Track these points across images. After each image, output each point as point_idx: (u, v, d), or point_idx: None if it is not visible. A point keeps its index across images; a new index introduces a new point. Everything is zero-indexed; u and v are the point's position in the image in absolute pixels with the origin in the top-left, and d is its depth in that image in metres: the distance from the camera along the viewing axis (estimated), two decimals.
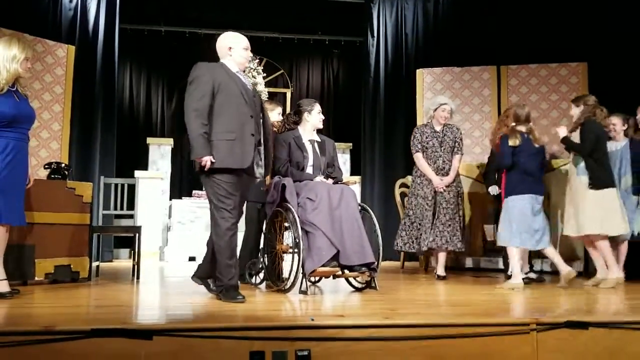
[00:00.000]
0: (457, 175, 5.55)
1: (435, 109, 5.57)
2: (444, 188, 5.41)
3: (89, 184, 5.01)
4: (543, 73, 7.16)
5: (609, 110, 5.53)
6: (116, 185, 5.94)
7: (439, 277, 5.30)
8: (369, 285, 4.18)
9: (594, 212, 4.57)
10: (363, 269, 4.01)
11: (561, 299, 3.90)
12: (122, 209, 5.93)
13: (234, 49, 3.78)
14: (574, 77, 7.04)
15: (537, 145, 4.73)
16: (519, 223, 4.52)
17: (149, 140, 9.21)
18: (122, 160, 8.65)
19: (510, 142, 4.65)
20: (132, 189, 6.00)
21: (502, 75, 7.26)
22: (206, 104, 3.54)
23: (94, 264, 5.27)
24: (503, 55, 7.65)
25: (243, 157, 3.56)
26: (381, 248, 4.21)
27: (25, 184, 3.75)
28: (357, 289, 4.22)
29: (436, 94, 7.36)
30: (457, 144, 5.54)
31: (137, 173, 8.31)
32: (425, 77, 7.53)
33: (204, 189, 3.72)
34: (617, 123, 5.14)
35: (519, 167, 4.62)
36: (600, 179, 4.62)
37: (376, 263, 4.09)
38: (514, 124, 4.81)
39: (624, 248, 4.87)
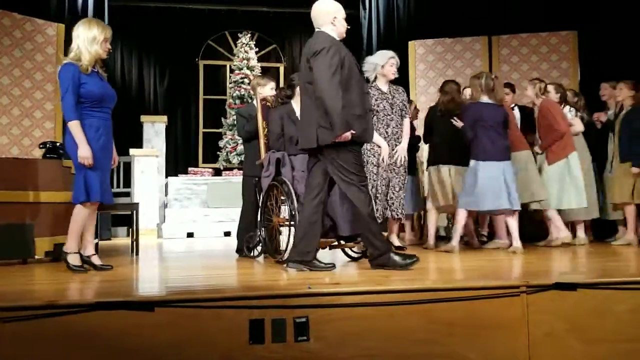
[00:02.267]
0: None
1: (384, 65, 4.89)
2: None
3: None
4: (534, 42, 7.18)
5: (599, 80, 5.62)
6: None
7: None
8: (364, 254, 4.26)
9: None
10: (358, 238, 4.08)
11: (551, 262, 4.00)
12: (118, 186, 5.98)
13: (337, 18, 3.59)
14: (564, 46, 7.07)
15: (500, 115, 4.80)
16: (480, 187, 4.64)
17: (143, 118, 9.21)
18: (117, 139, 8.55)
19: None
20: (127, 167, 6.04)
21: (493, 45, 7.28)
22: (338, 78, 3.37)
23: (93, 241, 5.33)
24: (494, 25, 7.67)
25: (369, 132, 3.58)
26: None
27: (111, 164, 3.87)
28: (353, 259, 4.30)
29: (428, 66, 7.39)
30: (405, 106, 5.04)
31: (132, 151, 8.33)
32: (417, 49, 7.53)
33: (327, 165, 3.48)
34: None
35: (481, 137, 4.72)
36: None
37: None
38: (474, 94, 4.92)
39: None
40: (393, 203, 4.97)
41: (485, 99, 4.80)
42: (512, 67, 7.12)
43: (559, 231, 5.08)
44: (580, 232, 5.39)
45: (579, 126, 5.35)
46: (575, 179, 5.09)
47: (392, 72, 4.93)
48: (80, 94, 3.58)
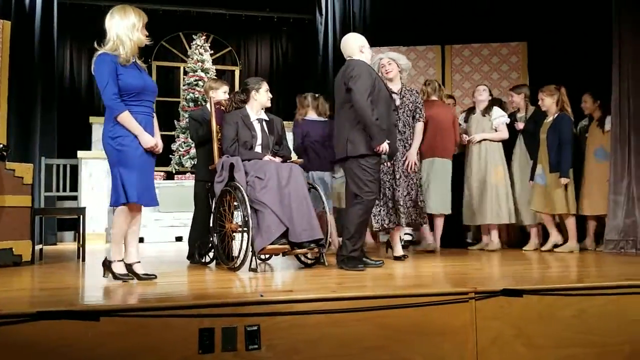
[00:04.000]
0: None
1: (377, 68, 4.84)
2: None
3: (29, 165, 4.87)
4: (485, 52, 7.37)
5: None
6: (58, 166, 5.79)
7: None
8: (318, 261, 4.26)
9: None
10: (312, 245, 4.08)
11: (499, 269, 4.10)
12: (64, 190, 5.79)
13: (365, 47, 4.27)
14: (514, 57, 7.28)
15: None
16: None
17: (92, 119, 8.95)
18: (64, 140, 8.40)
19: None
20: (74, 169, 5.86)
21: (446, 55, 7.43)
22: (371, 98, 4.03)
23: (37, 247, 5.15)
24: (447, 35, 7.81)
25: (392, 145, 4.15)
26: (330, 225, 4.29)
27: (154, 161, 3.58)
28: (307, 265, 4.30)
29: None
30: (417, 108, 4.92)
31: (80, 153, 8.09)
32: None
33: (346, 172, 4.22)
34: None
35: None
36: None
37: (324, 239, 4.17)
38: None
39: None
40: (409, 211, 4.78)
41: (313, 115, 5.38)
42: (464, 77, 7.28)
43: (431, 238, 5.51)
44: (494, 236, 5.61)
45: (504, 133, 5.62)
46: (438, 184, 5.43)
47: (384, 72, 4.84)
48: (118, 87, 3.34)
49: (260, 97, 4.45)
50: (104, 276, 3.52)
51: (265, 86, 4.47)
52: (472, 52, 7.39)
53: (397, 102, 4.80)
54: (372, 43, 7.81)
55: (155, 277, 3.56)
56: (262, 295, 2.68)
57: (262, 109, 4.50)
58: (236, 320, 2.52)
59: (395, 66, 4.86)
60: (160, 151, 3.53)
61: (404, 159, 4.79)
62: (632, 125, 5.08)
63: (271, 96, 4.53)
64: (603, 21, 5.71)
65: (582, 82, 6.10)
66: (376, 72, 4.37)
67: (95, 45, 3.47)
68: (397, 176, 4.75)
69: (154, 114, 3.57)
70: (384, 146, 4.01)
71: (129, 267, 3.53)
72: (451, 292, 2.82)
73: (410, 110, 4.88)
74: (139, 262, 3.57)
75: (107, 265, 3.53)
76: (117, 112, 3.34)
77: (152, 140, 3.44)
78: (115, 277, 3.47)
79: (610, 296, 2.92)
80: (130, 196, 3.37)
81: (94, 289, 3.47)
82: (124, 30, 3.40)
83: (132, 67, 3.44)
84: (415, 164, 4.82)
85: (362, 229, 4.11)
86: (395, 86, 4.86)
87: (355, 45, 4.25)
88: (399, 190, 4.73)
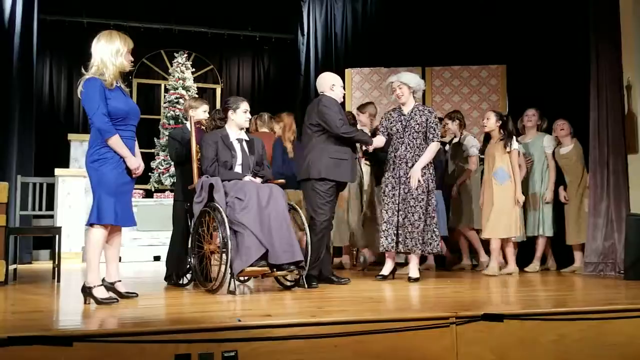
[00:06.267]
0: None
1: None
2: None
3: (4, 184, 4.76)
4: (465, 75, 7.45)
5: (526, 109, 5.91)
6: (34, 184, 5.68)
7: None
8: (297, 283, 4.21)
9: None
10: (292, 267, 4.04)
11: (480, 292, 4.09)
12: (40, 209, 5.67)
13: (335, 85, 4.71)
14: (493, 79, 7.37)
15: None
16: None
17: (70, 136, 8.82)
18: (42, 158, 8.26)
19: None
20: (51, 188, 5.76)
21: (426, 76, 7.49)
22: (344, 122, 4.63)
23: (11, 267, 5.03)
24: (428, 57, 7.90)
25: (344, 174, 4.61)
26: (310, 247, 4.25)
27: (134, 183, 3.66)
28: (286, 287, 4.25)
29: (365, 94, 7.53)
30: (429, 127, 4.79)
31: (58, 171, 7.95)
32: (353, 77, 7.66)
33: (303, 194, 4.76)
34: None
35: None
36: None
37: (304, 261, 4.13)
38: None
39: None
40: (411, 236, 4.66)
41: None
42: (444, 98, 7.35)
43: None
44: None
45: None
46: None
47: (395, 97, 4.92)
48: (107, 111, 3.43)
49: (237, 118, 4.39)
50: (85, 303, 3.44)
51: (243, 106, 4.40)
52: (452, 74, 7.47)
53: (398, 127, 4.81)
54: (354, 64, 7.99)
55: (137, 295, 3.66)
56: (239, 320, 2.63)
57: (241, 129, 4.45)
58: (213, 345, 2.47)
59: (406, 89, 4.83)
60: (141, 173, 3.61)
61: (408, 177, 4.70)
62: (611, 149, 5.16)
63: (250, 117, 4.47)
64: (581, 45, 5.82)
65: (560, 104, 6.19)
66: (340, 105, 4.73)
67: (82, 70, 3.54)
68: (395, 200, 4.72)
69: (135, 137, 3.66)
70: (376, 141, 4.78)
71: (110, 286, 3.57)
72: (432, 317, 2.79)
73: (416, 132, 4.77)
74: (120, 280, 3.66)
75: (87, 291, 3.46)
76: (109, 135, 3.42)
77: (137, 162, 3.54)
78: (99, 302, 3.41)
79: (591, 321, 2.92)
80: (107, 217, 3.42)
81: (68, 312, 3.39)
82: (108, 55, 3.50)
83: (117, 91, 3.53)
84: (419, 181, 4.66)
85: (318, 248, 4.42)
86: (406, 108, 4.87)
87: (326, 84, 4.72)
88: (396, 215, 4.70)
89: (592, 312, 2.97)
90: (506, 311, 2.90)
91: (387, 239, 4.72)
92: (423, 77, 7.49)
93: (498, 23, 7.73)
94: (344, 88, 4.93)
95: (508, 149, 5.21)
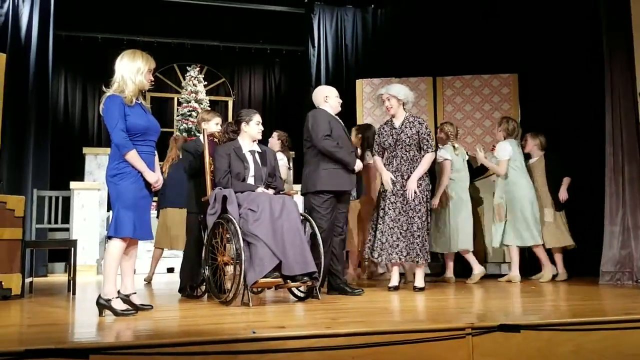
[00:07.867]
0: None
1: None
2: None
3: (21, 198, 4.82)
4: (476, 84, 7.43)
5: (538, 120, 5.88)
6: (50, 197, 5.74)
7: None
8: (311, 294, 4.21)
9: None
10: (305, 278, 4.04)
11: (495, 302, 4.05)
12: (56, 222, 5.73)
13: (329, 97, 4.76)
14: (505, 88, 7.34)
15: None
16: None
17: (85, 150, 8.93)
18: (57, 172, 8.36)
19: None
20: (67, 201, 5.82)
21: (437, 86, 7.48)
22: (330, 138, 4.58)
23: (27, 280, 5.07)
24: (439, 67, 7.89)
25: (351, 181, 4.68)
26: (323, 258, 4.25)
27: (152, 198, 3.77)
28: (300, 299, 4.24)
29: (375, 104, 7.52)
30: (422, 138, 4.82)
31: (73, 184, 8.03)
32: (364, 88, 7.66)
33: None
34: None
35: None
36: None
37: (318, 272, 4.12)
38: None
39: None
40: (412, 247, 4.70)
41: None
42: (456, 108, 7.33)
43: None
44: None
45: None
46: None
47: (384, 108, 4.98)
48: (126, 127, 3.52)
49: (250, 130, 4.43)
50: (101, 315, 3.46)
51: (256, 118, 4.45)
52: (464, 84, 7.46)
53: (390, 141, 4.86)
54: (365, 74, 7.99)
55: (152, 307, 3.77)
56: (254, 332, 2.62)
57: (254, 141, 4.48)
58: (228, 358, 2.47)
59: (394, 101, 4.86)
60: (159, 187, 3.69)
61: (405, 189, 4.74)
62: (626, 156, 5.11)
63: (262, 129, 4.51)
64: (594, 53, 5.79)
65: (572, 112, 6.15)
66: (334, 116, 4.72)
67: (104, 87, 3.64)
68: (393, 210, 4.75)
69: (155, 152, 3.73)
70: (358, 164, 4.64)
71: (125, 298, 3.62)
72: (448, 327, 2.77)
73: (408, 145, 4.81)
74: (135, 293, 3.75)
75: (103, 304, 3.49)
76: (126, 150, 3.50)
77: (155, 176, 3.62)
78: (117, 314, 3.45)
79: (609, 331, 2.88)
80: (126, 231, 3.49)
81: (83, 325, 3.40)
82: (129, 73, 3.60)
83: (137, 107, 3.62)
84: (415, 192, 4.71)
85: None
86: (397, 121, 4.89)
87: (320, 97, 4.78)
88: (390, 225, 4.74)
89: (609, 322, 2.93)
90: (523, 322, 2.86)
91: (388, 251, 4.73)
92: (434, 87, 7.49)
93: (509, 31, 7.70)
94: (340, 97, 4.88)
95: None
